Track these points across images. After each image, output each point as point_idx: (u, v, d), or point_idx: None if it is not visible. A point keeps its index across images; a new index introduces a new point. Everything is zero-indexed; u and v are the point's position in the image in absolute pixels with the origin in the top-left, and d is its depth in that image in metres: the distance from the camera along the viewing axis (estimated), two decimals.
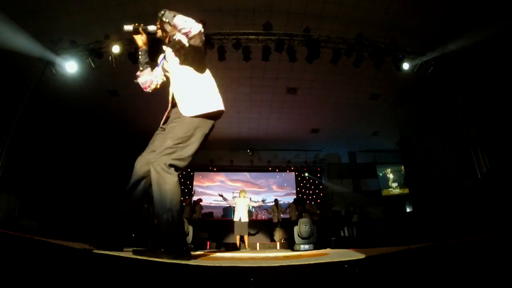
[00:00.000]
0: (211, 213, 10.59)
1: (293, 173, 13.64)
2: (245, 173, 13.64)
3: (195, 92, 1.93)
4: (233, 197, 8.35)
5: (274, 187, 13.69)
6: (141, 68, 2.15)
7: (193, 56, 1.98)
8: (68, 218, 7.76)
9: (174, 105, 1.99)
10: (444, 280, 0.72)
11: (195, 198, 10.35)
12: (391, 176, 13.07)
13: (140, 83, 2.19)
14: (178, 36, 2.00)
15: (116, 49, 6.30)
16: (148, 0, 5.85)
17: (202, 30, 1.86)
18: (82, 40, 6.48)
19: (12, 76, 6.99)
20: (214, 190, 13.04)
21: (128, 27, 2.04)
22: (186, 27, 1.80)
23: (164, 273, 1.06)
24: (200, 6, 5.99)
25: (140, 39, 2.09)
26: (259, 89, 8.66)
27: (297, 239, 6.40)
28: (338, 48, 6.59)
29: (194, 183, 13.18)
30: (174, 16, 1.82)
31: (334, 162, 13.38)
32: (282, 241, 8.29)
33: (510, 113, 7.04)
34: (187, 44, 1.95)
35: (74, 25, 6.26)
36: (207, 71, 2.08)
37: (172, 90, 2.04)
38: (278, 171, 13.64)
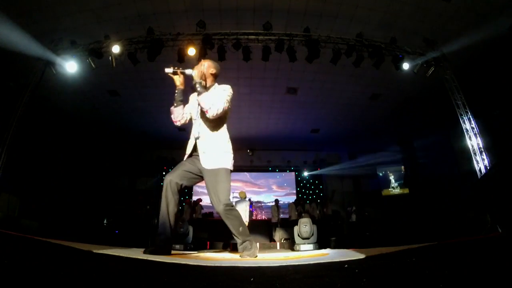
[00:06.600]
0: (211, 213, 10.56)
1: (293, 173, 13.64)
2: (245, 173, 13.63)
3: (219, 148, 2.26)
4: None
5: (274, 187, 13.69)
6: (175, 104, 2.36)
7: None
8: (68, 218, 7.76)
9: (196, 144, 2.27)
10: (444, 280, 0.72)
11: (195, 198, 10.34)
12: (391, 176, 13.05)
13: (172, 117, 2.41)
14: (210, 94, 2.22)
15: (116, 49, 6.29)
16: (148, 0, 5.85)
17: (221, 110, 2.12)
18: (82, 40, 6.47)
19: (12, 76, 6.99)
20: None
21: (168, 70, 2.29)
22: (205, 106, 2.10)
23: (164, 273, 1.06)
24: (200, 6, 5.99)
25: (178, 80, 2.34)
26: (259, 89, 8.66)
27: (297, 239, 6.40)
28: (338, 48, 6.58)
29: None
30: (202, 93, 2.11)
31: (334, 162, 13.37)
32: (282, 241, 8.29)
33: (510, 113, 7.04)
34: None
35: (74, 25, 6.25)
36: (225, 126, 2.36)
37: (195, 132, 2.31)
38: (278, 171, 13.64)
